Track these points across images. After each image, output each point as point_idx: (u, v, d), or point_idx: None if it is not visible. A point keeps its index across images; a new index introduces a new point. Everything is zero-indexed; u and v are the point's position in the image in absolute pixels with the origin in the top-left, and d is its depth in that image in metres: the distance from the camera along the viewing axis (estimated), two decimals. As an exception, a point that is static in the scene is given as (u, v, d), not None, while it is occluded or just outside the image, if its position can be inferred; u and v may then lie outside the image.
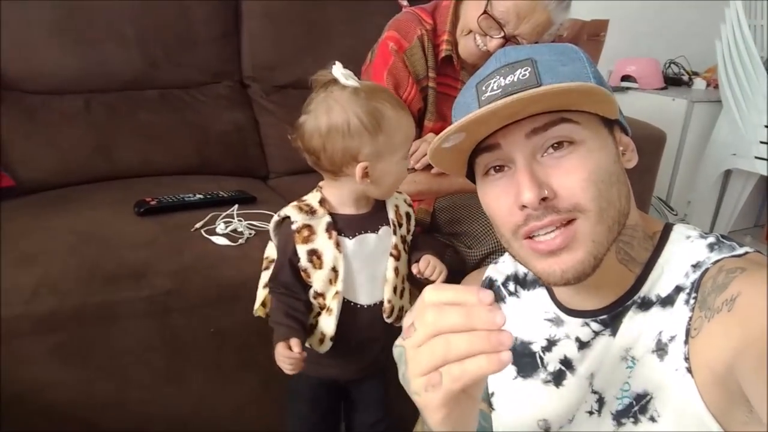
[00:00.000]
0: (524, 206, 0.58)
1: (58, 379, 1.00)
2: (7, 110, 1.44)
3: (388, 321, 0.95)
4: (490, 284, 0.81)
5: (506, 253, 0.86)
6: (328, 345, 0.92)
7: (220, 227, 1.17)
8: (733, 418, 0.52)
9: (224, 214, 1.21)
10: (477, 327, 0.42)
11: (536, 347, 0.71)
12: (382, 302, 0.95)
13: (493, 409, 0.78)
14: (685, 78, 2.80)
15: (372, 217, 0.94)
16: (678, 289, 0.59)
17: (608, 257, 0.60)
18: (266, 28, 1.79)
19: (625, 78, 2.64)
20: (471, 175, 0.69)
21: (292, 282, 0.91)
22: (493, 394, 0.77)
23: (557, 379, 0.69)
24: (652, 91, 2.60)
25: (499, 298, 0.78)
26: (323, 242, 0.89)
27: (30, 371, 0.98)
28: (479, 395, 0.53)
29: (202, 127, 1.66)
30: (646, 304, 0.62)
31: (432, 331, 0.44)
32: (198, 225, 1.17)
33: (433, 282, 0.95)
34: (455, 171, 0.69)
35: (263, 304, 0.97)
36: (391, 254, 0.94)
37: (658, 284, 0.62)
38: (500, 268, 0.82)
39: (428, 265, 0.96)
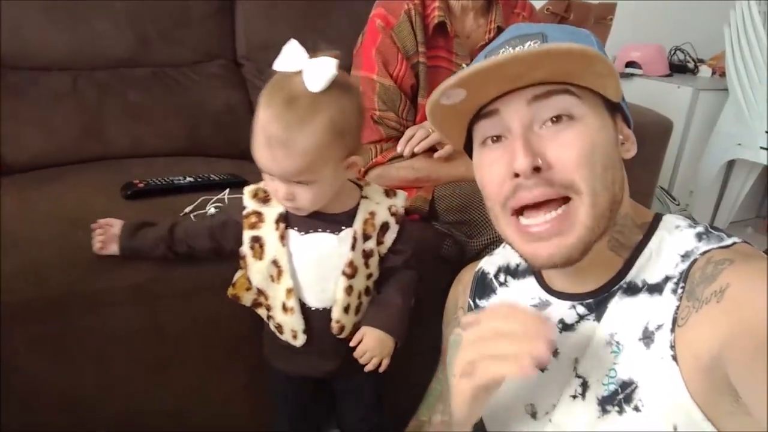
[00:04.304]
0: (517, 174, 0.58)
1: (40, 368, 0.96)
2: (-7, 87, 1.39)
3: (339, 337, 0.89)
4: (482, 276, 0.82)
5: (501, 245, 0.87)
6: (302, 338, 0.89)
7: (210, 212, 1.13)
8: (718, 408, 0.52)
9: (215, 198, 1.17)
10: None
11: None
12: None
13: None
14: (691, 65, 2.74)
15: (339, 217, 0.86)
16: (666, 279, 0.60)
17: (599, 244, 0.61)
18: (261, 7, 1.73)
19: (630, 64, 2.57)
20: (469, 150, 0.70)
21: (204, 241, 0.93)
22: None
23: None
24: (656, 78, 2.54)
25: (490, 290, 0.80)
26: (269, 232, 0.85)
27: (12, 361, 0.94)
28: (496, 392, 0.60)
29: (194, 107, 1.61)
30: (632, 290, 0.62)
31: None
32: (187, 209, 1.13)
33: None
34: (452, 136, 0.69)
35: (233, 284, 0.92)
36: (344, 273, 0.85)
37: (646, 270, 0.62)
38: (493, 260, 0.84)
39: (363, 343, 0.86)
